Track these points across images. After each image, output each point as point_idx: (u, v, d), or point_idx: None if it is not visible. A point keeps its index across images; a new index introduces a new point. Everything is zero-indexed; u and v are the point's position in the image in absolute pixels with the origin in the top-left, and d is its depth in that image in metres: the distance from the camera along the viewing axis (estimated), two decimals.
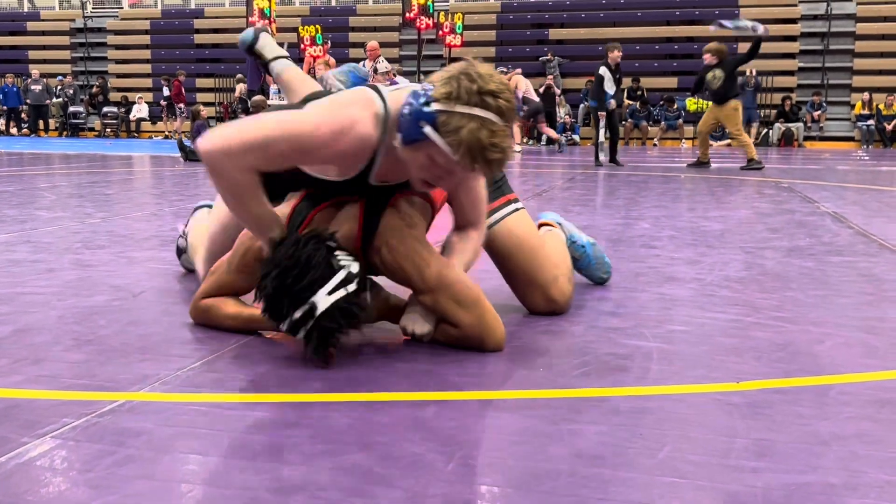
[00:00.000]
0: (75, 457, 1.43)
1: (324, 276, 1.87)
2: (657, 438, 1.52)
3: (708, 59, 10.06)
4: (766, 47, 19.04)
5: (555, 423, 1.60)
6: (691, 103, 18.40)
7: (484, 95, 1.80)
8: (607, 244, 3.88)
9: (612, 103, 10.52)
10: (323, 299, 1.86)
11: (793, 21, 19.50)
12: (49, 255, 3.46)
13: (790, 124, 17.81)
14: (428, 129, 1.82)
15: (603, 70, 10.40)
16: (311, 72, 12.94)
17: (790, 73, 19.06)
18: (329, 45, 13.57)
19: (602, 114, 10.62)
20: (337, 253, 1.93)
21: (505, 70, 10.51)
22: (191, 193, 6.53)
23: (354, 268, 1.93)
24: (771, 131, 17.91)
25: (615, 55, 10.38)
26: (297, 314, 1.87)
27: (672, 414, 1.66)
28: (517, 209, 2.48)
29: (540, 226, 2.80)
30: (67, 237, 4.00)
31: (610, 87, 10.43)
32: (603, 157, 10.77)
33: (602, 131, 10.72)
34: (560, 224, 2.84)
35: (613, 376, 1.90)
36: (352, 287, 1.89)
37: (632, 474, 1.37)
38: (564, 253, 2.65)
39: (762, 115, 18.15)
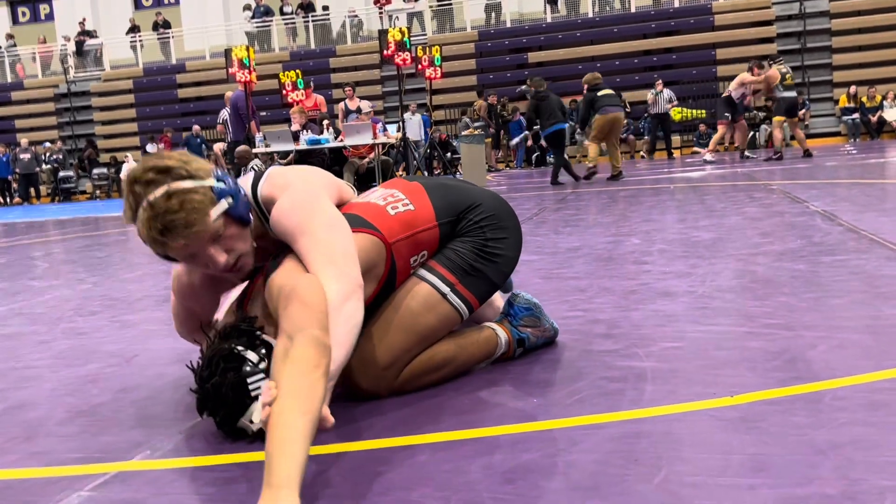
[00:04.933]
0: None
1: (240, 408, 1.75)
2: (653, 463, 1.51)
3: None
4: (744, 51, 19.27)
5: (550, 456, 1.59)
6: (676, 112, 18.51)
7: (133, 187, 1.77)
8: (598, 264, 3.89)
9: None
10: (255, 417, 1.75)
11: (768, 23, 19.67)
12: (42, 327, 3.46)
13: None
14: None
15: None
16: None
17: None
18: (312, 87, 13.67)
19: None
20: (250, 377, 1.74)
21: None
22: None
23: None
24: (758, 133, 17.97)
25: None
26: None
27: (667, 435, 1.65)
28: None
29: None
30: (60, 305, 4.00)
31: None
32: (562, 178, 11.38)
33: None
34: (523, 340, 2.29)
35: (608, 401, 1.89)
36: None
37: (629, 502, 1.36)
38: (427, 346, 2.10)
39: (748, 116, 18.24)
